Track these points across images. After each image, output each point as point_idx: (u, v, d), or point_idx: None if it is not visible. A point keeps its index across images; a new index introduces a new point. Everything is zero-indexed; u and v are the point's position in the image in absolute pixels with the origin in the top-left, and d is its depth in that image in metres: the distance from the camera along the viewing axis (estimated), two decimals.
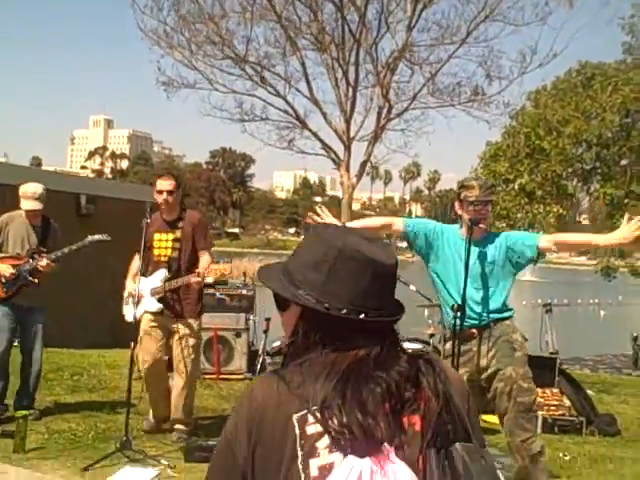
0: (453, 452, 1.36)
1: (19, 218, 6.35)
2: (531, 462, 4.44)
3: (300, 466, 1.37)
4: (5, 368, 6.33)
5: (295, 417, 1.40)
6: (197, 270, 5.82)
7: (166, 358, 6.27)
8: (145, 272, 6.08)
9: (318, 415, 1.38)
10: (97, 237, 6.24)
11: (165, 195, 5.96)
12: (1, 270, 6.18)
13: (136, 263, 6.14)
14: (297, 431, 1.39)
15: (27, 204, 6.26)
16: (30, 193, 6.26)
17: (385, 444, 1.35)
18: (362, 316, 1.46)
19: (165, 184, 6.00)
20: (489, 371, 4.53)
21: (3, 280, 6.20)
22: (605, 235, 4.75)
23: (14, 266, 6.20)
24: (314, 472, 1.36)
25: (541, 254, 4.54)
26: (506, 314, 4.63)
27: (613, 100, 17.38)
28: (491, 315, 4.54)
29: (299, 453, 1.37)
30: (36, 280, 6.25)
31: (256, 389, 1.50)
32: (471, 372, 4.50)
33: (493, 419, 5.16)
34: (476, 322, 4.54)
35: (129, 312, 6.14)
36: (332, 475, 1.33)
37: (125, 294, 6.25)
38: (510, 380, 4.47)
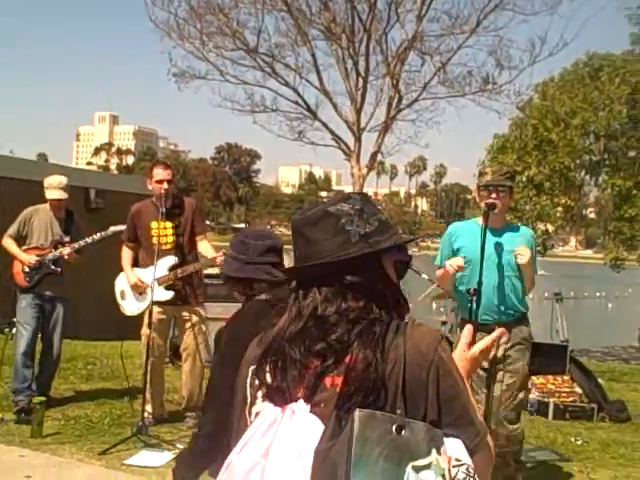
0: (354, 416, 1.37)
1: (43, 210, 6.44)
2: (513, 450, 4.60)
3: (247, 410, 1.58)
4: (32, 356, 6.40)
5: (251, 368, 1.60)
6: (217, 254, 5.84)
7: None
8: (140, 262, 6.12)
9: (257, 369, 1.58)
10: (120, 227, 6.30)
11: (166, 185, 5.97)
12: (25, 259, 6.26)
13: (128, 254, 6.19)
14: (249, 380, 1.60)
15: (53, 193, 6.35)
16: (56, 183, 6.37)
17: (301, 400, 1.47)
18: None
19: (165, 173, 6.03)
20: (498, 363, 4.54)
21: (27, 269, 6.27)
22: None
23: (38, 256, 6.27)
24: (252, 417, 1.55)
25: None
26: (523, 310, 4.66)
27: (621, 91, 17.34)
28: (508, 311, 4.57)
29: (248, 400, 1.58)
30: (59, 269, 6.31)
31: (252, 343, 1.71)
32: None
33: None
34: (495, 316, 4.54)
35: (130, 305, 6.18)
36: (256, 420, 1.51)
37: (120, 288, 6.25)
38: (517, 372, 4.58)
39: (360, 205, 1.61)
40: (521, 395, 4.63)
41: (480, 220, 4.61)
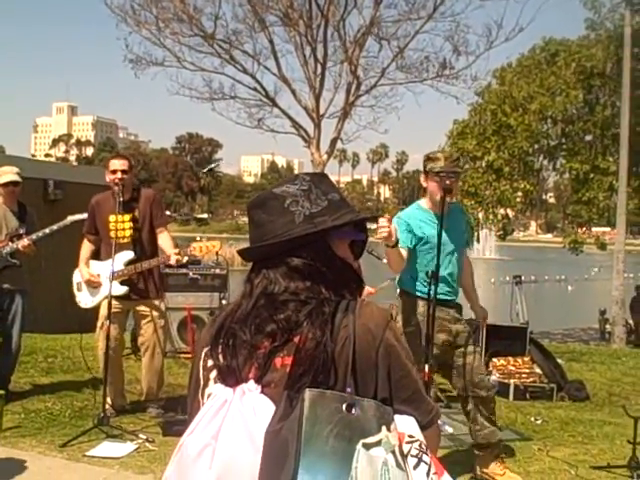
0: (304, 395, 1.39)
1: None
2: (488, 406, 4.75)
3: (200, 393, 1.59)
4: None
5: (204, 350, 1.60)
6: (174, 250, 5.82)
7: None
8: (100, 255, 6.06)
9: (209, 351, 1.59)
10: (78, 216, 6.21)
11: (120, 174, 5.86)
12: None
13: (87, 248, 6.13)
14: (202, 363, 1.60)
15: (7, 177, 6.27)
16: (8, 169, 6.31)
17: (252, 381, 1.48)
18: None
19: (119, 164, 5.93)
20: (464, 335, 4.69)
21: None
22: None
23: None
24: (205, 399, 1.56)
25: None
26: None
27: (577, 76, 17.58)
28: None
29: (201, 382, 1.59)
30: (17, 262, 6.23)
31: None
32: (448, 337, 4.63)
33: None
34: (453, 294, 4.77)
35: (85, 298, 6.12)
36: (207, 401, 1.52)
37: (77, 280, 6.19)
38: (469, 357, 4.66)
39: (308, 186, 1.62)
40: (478, 373, 4.74)
41: (423, 203, 4.74)
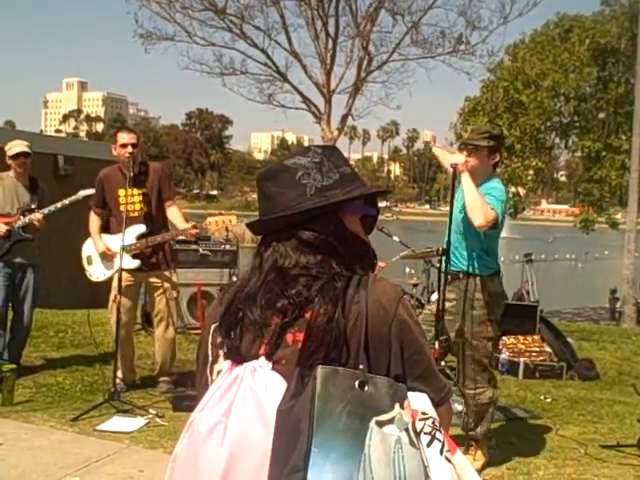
0: (316, 372, 1.36)
1: (7, 179, 6.33)
2: (477, 411, 4.57)
3: (208, 369, 1.58)
4: (3, 325, 6.34)
5: (213, 326, 1.59)
6: (189, 224, 5.85)
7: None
8: (111, 229, 6.06)
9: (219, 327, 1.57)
10: (89, 191, 6.18)
11: (130, 148, 5.85)
12: None
13: (95, 221, 6.13)
14: (210, 339, 1.59)
15: (17, 148, 6.25)
16: (18, 142, 6.32)
17: (262, 357, 1.46)
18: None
19: (128, 137, 5.92)
20: (448, 317, 4.52)
21: None
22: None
23: (6, 224, 6.17)
24: (214, 375, 1.54)
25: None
26: (482, 266, 4.50)
27: (590, 53, 17.39)
28: (465, 262, 4.49)
29: (210, 358, 1.58)
30: (30, 236, 6.23)
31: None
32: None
33: None
34: (452, 268, 4.51)
35: (96, 271, 6.13)
36: (218, 378, 1.50)
37: (87, 253, 6.19)
38: (461, 334, 4.52)
39: (320, 158, 1.59)
40: (471, 353, 4.51)
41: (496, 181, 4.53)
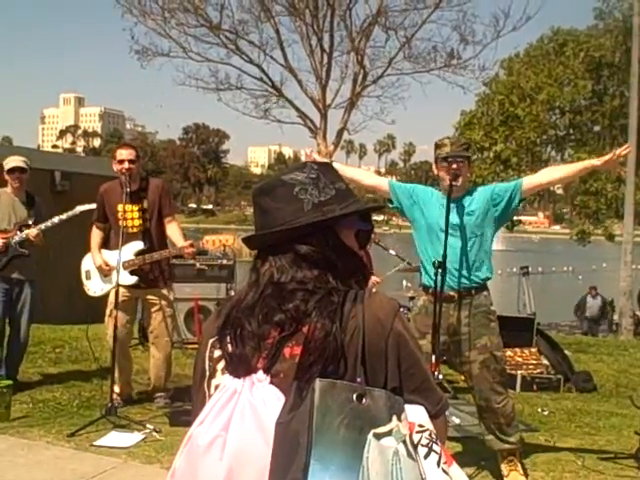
0: (314, 386, 1.37)
1: (4, 194, 6.35)
2: (506, 423, 4.53)
3: (206, 384, 1.57)
4: (0, 340, 6.33)
5: (211, 341, 1.59)
6: (187, 243, 5.88)
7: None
8: (110, 244, 6.06)
9: (217, 342, 1.57)
10: (86, 207, 6.20)
11: (127, 164, 5.85)
12: None
13: (97, 235, 6.13)
14: (207, 353, 1.59)
15: (13, 161, 6.28)
16: (14, 157, 6.34)
17: (260, 371, 1.47)
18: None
19: (126, 153, 5.93)
20: (462, 337, 4.48)
21: None
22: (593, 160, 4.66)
23: (3, 239, 6.18)
24: (212, 390, 1.54)
25: (524, 196, 4.52)
26: (484, 277, 4.52)
27: (585, 66, 17.49)
28: (471, 277, 4.47)
29: (207, 373, 1.58)
30: (27, 252, 6.24)
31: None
32: (445, 333, 4.50)
33: None
34: (456, 283, 4.47)
35: (94, 286, 6.13)
36: (216, 392, 1.50)
37: (86, 268, 6.20)
38: (485, 349, 4.47)
39: (316, 174, 1.60)
40: (496, 366, 4.50)
41: (441, 193, 4.55)
